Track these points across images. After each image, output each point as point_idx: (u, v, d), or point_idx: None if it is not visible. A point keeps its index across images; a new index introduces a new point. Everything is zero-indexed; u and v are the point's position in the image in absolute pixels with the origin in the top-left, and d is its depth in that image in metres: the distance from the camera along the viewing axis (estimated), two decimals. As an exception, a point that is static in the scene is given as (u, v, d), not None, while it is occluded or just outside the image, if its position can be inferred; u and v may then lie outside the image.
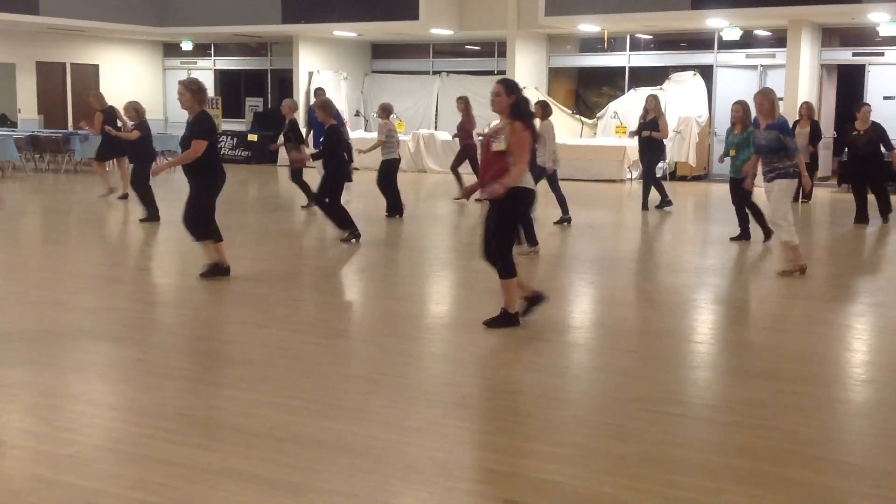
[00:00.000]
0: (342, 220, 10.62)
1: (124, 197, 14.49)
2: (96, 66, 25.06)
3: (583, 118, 21.11)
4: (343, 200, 10.81)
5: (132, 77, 25.36)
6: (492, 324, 6.73)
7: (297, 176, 13.72)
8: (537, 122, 11.77)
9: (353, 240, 10.58)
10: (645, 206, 14.13)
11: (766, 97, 9.01)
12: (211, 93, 25.55)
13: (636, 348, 6.51)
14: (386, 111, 13.34)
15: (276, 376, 5.63)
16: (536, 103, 12.34)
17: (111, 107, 15.00)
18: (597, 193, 16.67)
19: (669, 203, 14.23)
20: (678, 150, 18.96)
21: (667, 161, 18.84)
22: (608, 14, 18.51)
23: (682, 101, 19.31)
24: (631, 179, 18.92)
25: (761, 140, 8.95)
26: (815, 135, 15.15)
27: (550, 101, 20.87)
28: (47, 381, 5.47)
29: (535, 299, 6.93)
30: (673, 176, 18.88)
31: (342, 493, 3.96)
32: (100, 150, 15.06)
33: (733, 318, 7.77)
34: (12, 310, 7.33)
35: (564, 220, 12.45)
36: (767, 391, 5.43)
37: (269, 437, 4.55)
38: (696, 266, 9.82)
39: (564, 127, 20.66)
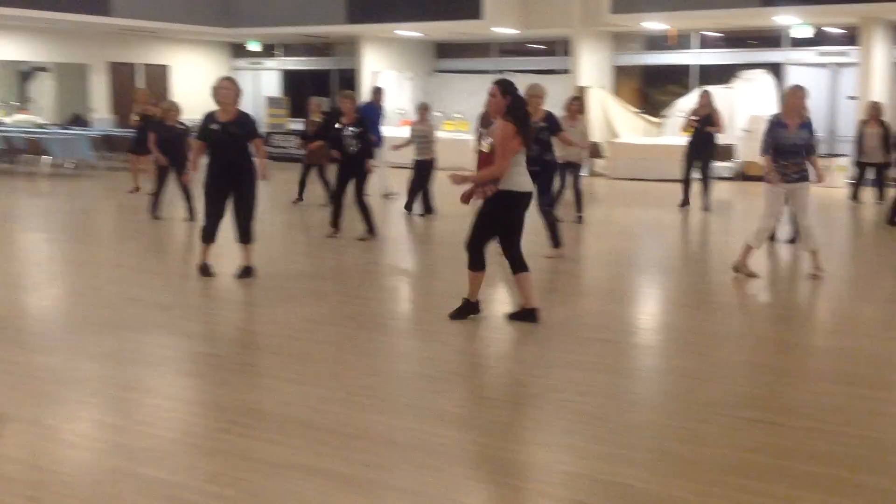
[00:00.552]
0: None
1: (134, 191, 15.33)
2: (166, 67, 25.55)
3: (648, 117, 20.90)
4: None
5: (201, 77, 25.77)
6: (455, 315, 6.91)
7: (316, 172, 14.18)
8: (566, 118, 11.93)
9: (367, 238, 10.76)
10: (707, 207, 13.93)
11: (799, 95, 8.80)
12: (277, 93, 25.92)
13: (705, 351, 6.43)
14: (422, 111, 13.45)
15: (344, 373, 5.69)
16: (572, 100, 12.34)
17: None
18: (662, 193, 16.49)
19: (687, 203, 14.10)
20: (748, 150, 18.66)
21: (736, 161, 18.58)
22: (675, 11, 18.30)
23: (752, 99, 19.00)
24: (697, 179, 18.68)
25: (795, 139, 8.72)
26: (887, 136, 14.70)
27: (617, 99, 20.76)
28: (125, 375, 5.60)
29: (525, 314, 6.92)
30: (744, 176, 18.58)
31: (412, 491, 3.99)
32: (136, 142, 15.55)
33: (801, 321, 7.64)
34: (91, 305, 7.52)
35: (578, 217, 12.40)
36: (843, 396, 5.33)
37: (339, 433, 4.61)
38: (760, 268, 9.66)
39: (629, 126, 20.52)
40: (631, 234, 12.36)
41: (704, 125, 13.90)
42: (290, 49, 26.34)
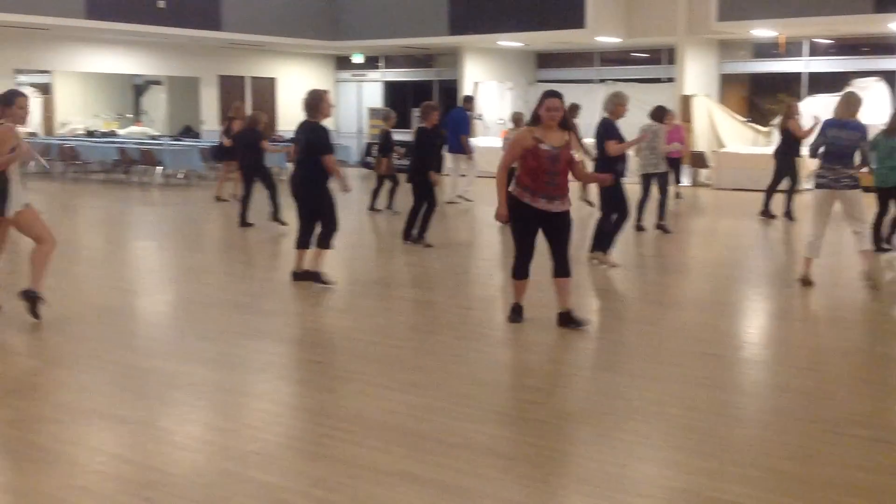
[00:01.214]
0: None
1: (219, 200, 15.70)
2: (273, 79, 26.17)
3: (756, 126, 20.42)
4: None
5: (306, 89, 26.28)
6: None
7: (383, 182, 14.42)
8: (654, 124, 11.78)
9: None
10: (788, 215, 13.67)
11: (853, 100, 8.77)
12: (379, 103, 26.26)
13: (814, 366, 6.24)
14: (517, 120, 13.48)
15: (446, 382, 5.71)
16: (657, 108, 12.23)
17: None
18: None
19: (767, 213, 13.75)
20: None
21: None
22: (785, 18, 17.84)
23: (866, 108, 18.34)
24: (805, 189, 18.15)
25: (845, 142, 8.52)
26: None
27: (722, 108, 20.35)
28: (232, 380, 5.74)
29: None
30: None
31: (514, 502, 3.98)
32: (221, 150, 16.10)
33: (923, 338, 7.33)
34: (200, 312, 7.74)
35: (661, 226, 12.26)
36: (964, 416, 5.10)
37: (442, 442, 4.63)
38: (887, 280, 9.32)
39: (736, 135, 20.07)
40: (735, 245, 12.08)
41: (788, 134, 13.79)
42: (392, 61, 26.68)
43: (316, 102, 8.62)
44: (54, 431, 4.79)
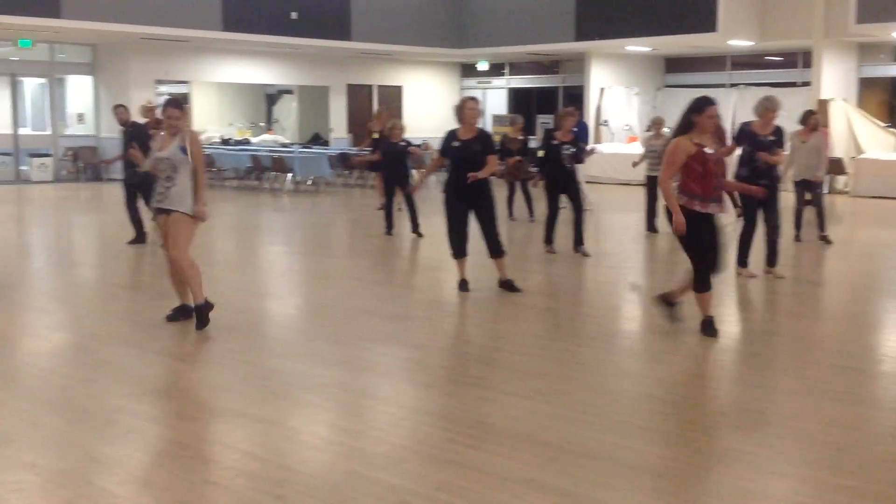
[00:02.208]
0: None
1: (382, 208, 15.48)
2: (399, 88, 26.55)
3: (898, 131, 19.55)
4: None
5: (431, 97, 26.62)
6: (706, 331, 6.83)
7: (514, 189, 14.29)
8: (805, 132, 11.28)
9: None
10: None
11: None
12: (503, 110, 26.31)
13: (965, 383, 5.91)
14: (658, 125, 13.18)
15: (571, 390, 5.67)
16: (809, 114, 11.64)
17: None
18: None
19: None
20: None
21: None
22: (929, 18, 17.03)
23: None
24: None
25: None
26: None
27: (861, 112, 19.55)
28: (359, 383, 5.84)
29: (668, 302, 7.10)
30: None
31: (642, 514, 3.91)
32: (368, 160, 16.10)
33: None
34: (327, 315, 7.90)
35: (822, 237, 11.75)
36: None
37: (567, 450, 4.58)
38: None
39: (876, 141, 19.26)
40: (875, 256, 11.58)
41: None
42: (517, 67, 26.69)
43: (458, 109, 8.52)
44: (192, 429, 4.97)
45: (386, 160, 13.15)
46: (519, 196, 14.33)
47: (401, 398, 5.58)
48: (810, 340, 7.05)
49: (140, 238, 11.89)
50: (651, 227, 12.83)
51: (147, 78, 22.18)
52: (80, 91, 23.36)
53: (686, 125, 6.65)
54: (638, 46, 21.93)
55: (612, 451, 4.58)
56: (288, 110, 27.52)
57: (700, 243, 6.68)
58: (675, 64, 24.68)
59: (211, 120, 25.21)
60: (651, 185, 12.74)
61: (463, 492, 4.08)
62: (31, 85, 24.15)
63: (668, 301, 7.12)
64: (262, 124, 27.12)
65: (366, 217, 15.35)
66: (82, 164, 22.40)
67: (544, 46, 22.72)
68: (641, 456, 4.54)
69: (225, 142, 24.21)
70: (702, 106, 6.62)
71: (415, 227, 12.62)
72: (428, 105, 26.35)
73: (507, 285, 8.61)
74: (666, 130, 13.28)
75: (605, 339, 7.12)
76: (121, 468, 4.38)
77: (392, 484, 4.19)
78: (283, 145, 23.70)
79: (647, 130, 13.55)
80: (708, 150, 6.59)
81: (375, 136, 16.19)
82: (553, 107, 25.63)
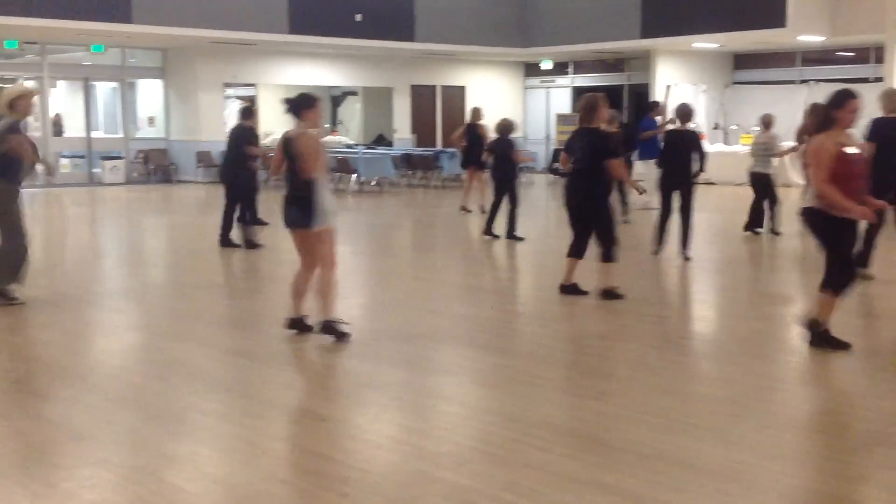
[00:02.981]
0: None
1: (464, 210, 15.37)
2: (463, 88, 26.57)
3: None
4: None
5: (495, 97, 26.59)
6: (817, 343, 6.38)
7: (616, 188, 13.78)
8: None
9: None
10: None
11: None
12: (568, 109, 26.16)
13: None
14: (767, 123, 12.81)
15: (636, 392, 5.61)
16: None
17: (476, 123, 15.73)
18: None
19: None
20: None
21: None
22: None
23: None
24: None
25: None
26: None
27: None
28: (425, 382, 5.86)
29: None
30: None
31: (711, 517, 3.85)
32: (465, 159, 15.81)
33: None
34: (394, 314, 7.94)
35: None
36: None
37: (633, 452, 4.54)
38: None
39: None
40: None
41: None
42: (580, 66, 26.52)
43: (593, 107, 8.12)
44: (259, 426, 5.03)
45: (497, 159, 12.44)
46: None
47: (466, 398, 5.58)
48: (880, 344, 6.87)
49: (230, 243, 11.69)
50: (755, 226, 12.35)
51: (215, 81, 22.56)
52: (150, 94, 23.85)
53: (826, 122, 6.16)
54: (705, 43, 21.62)
55: (678, 453, 4.52)
56: (352, 111, 27.72)
57: (844, 246, 6.27)
58: (743, 60, 24.28)
59: (277, 122, 25.50)
60: (757, 182, 12.33)
61: (528, 492, 4.06)
62: (104, 89, 24.73)
63: (815, 326, 6.41)
64: (326, 125, 27.35)
65: (430, 217, 15.40)
66: (152, 167, 22.86)
67: (609, 44, 22.53)
68: (707, 458, 4.47)
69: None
70: (842, 100, 6.13)
71: (511, 231, 12.10)
72: (491, 105, 26.29)
73: (606, 294, 8.15)
74: (774, 131, 12.83)
75: (670, 340, 7.03)
76: (190, 465, 4.46)
77: (457, 483, 4.19)
78: (348, 146, 23.89)
79: (756, 127, 13.07)
80: (850, 150, 6.11)
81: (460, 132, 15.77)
82: (619, 105, 25.42)
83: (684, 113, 10.68)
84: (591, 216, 8.21)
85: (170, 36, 19.90)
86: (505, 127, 12.49)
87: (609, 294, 8.14)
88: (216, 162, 22.07)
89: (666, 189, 10.46)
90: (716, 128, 23.00)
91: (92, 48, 21.11)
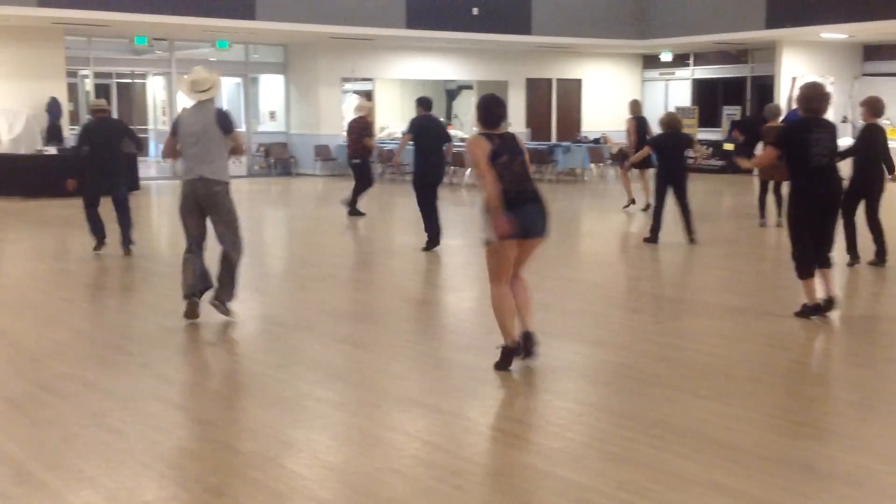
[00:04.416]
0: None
1: (629, 205, 14.88)
2: (579, 81, 26.33)
3: None
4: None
5: (612, 90, 26.26)
6: None
7: (766, 189, 12.91)
8: None
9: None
10: None
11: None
12: (687, 102, 25.61)
13: None
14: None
15: (758, 392, 5.46)
16: None
17: (643, 116, 15.41)
18: None
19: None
20: None
21: None
22: None
23: None
24: None
25: None
26: None
27: None
28: (537, 377, 5.82)
29: None
30: None
31: (835, 525, 3.72)
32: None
33: None
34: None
35: None
36: None
37: (754, 454, 4.42)
38: None
39: None
40: None
41: None
42: (701, 57, 25.92)
43: (824, 95, 7.24)
44: (374, 416, 5.11)
45: (665, 156, 11.54)
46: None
47: (579, 394, 5.53)
48: None
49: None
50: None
51: (334, 76, 22.96)
52: (271, 89, 24.44)
53: None
54: (834, 33, 20.83)
55: (801, 457, 4.38)
56: (468, 105, 27.79)
57: None
58: (874, 51, 23.28)
59: (393, 116, 25.81)
60: None
61: (644, 491, 4.00)
62: (227, 84, 25.44)
63: None
64: (442, 120, 27.53)
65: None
66: (273, 160, 23.43)
67: (732, 35, 21.93)
68: (834, 463, 4.32)
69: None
70: None
71: (691, 234, 11.22)
72: (608, 98, 26.02)
73: (827, 304, 7.24)
74: (885, 121, 12.06)
75: (793, 340, 6.81)
76: (308, 452, 4.55)
77: (571, 480, 4.16)
78: (463, 140, 23.98)
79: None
80: None
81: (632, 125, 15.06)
82: (741, 98, 24.75)
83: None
84: (832, 220, 7.28)
85: (291, 32, 20.34)
86: (674, 121, 11.70)
87: (830, 304, 7.25)
88: (334, 155, 22.53)
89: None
90: (844, 121, 22.14)
91: (217, 44, 21.77)
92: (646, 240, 11.35)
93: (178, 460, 4.42)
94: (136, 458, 4.43)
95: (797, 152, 7.04)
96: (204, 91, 7.07)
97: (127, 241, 10.44)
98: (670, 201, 11.22)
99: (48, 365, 6.05)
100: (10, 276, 9.95)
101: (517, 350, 5.84)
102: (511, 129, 6.22)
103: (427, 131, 11.06)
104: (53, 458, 4.41)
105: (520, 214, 5.64)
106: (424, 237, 11.05)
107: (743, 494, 3.96)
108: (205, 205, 7.07)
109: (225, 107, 25.92)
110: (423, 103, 11.32)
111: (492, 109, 5.90)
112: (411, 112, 11.77)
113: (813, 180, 7.00)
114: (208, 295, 7.23)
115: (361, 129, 14.55)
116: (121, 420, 4.95)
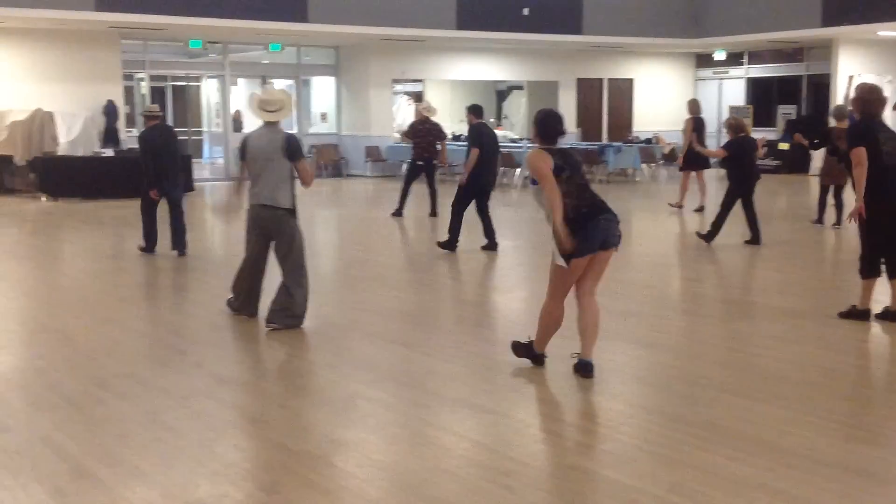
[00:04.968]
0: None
1: (700, 209, 14.53)
2: (630, 80, 26.13)
3: None
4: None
5: (664, 89, 26.03)
6: None
7: (827, 190, 12.66)
8: None
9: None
10: None
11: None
12: (742, 101, 25.28)
13: None
14: None
15: (813, 396, 5.37)
16: None
17: (700, 117, 15.22)
18: None
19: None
20: None
21: None
22: None
23: None
24: None
25: None
26: None
27: None
28: (589, 379, 5.78)
29: None
30: None
31: (892, 531, 3.65)
32: (683, 159, 15.08)
33: None
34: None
35: None
36: None
37: (808, 458, 4.35)
38: None
39: None
40: None
41: None
42: (756, 56, 25.57)
43: (875, 100, 7.08)
44: (424, 416, 5.12)
45: (732, 161, 11.27)
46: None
47: (630, 396, 5.49)
48: None
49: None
50: None
51: (385, 77, 23.06)
52: (323, 91, 24.63)
53: None
54: (892, 31, 20.41)
55: (857, 461, 4.30)
56: (517, 106, 27.74)
57: None
58: (934, 48, 22.79)
59: (443, 117, 25.82)
60: None
61: (695, 494, 3.97)
62: (280, 86, 25.73)
63: None
64: (491, 120, 27.50)
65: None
66: (323, 161, 23.62)
67: (787, 33, 21.61)
68: (891, 468, 4.25)
69: (455, 138, 24.74)
70: None
71: (755, 236, 11.07)
72: (660, 98, 25.79)
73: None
74: None
75: (851, 343, 6.70)
76: (358, 451, 4.59)
77: (619, 481, 4.14)
78: (513, 141, 23.93)
79: None
80: None
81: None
82: (796, 97, 24.37)
83: None
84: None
85: (343, 34, 20.48)
86: (742, 124, 11.44)
87: (888, 315, 7.08)
88: (384, 156, 22.62)
89: None
90: (902, 119, 21.68)
91: (270, 47, 22.00)
92: (699, 234, 11.26)
93: (231, 458, 4.48)
94: (190, 456, 4.49)
95: (870, 152, 6.87)
96: (273, 112, 6.93)
97: (181, 244, 10.58)
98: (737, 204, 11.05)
99: (105, 363, 6.17)
100: (67, 275, 10.17)
101: (539, 359, 5.95)
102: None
103: (487, 139, 11.11)
104: (109, 455, 4.49)
105: (596, 226, 5.61)
106: (475, 240, 11.07)
107: (797, 499, 3.90)
108: (271, 231, 7.09)
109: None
110: (477, 111, 11.43)
111: (551, 125, 5.80)
112: (460, 113, 11.83)
113: (886, 179, 6.87)
114: (264, 313, 7.24)
115: (433, 132, 14.54)
116: (175, 418, 5.03)
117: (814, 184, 19.05)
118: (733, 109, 24.67)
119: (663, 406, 5.28)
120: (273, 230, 7.07)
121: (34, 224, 14.32)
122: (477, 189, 11.04)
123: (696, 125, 14.83)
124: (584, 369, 5.70)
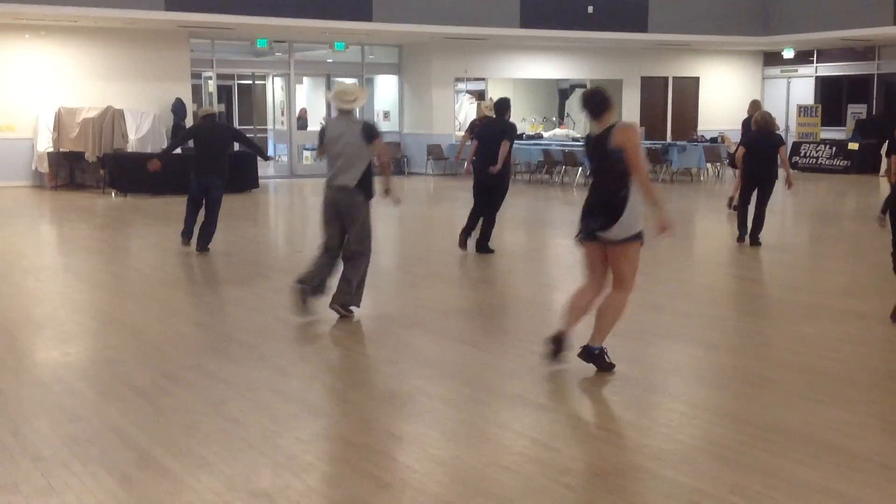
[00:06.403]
0: None
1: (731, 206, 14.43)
2: (696, 79, 25.81)
3: None
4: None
5: (730, 88, 25.66)
6: None
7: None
8: None
9: None
10: None
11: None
12: (810, 100, 24.81)
13: None
14: None
15: (881, 399, 5.28)
16: None
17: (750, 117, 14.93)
18: None
19: None
20: None
21: None
22: None
23: None
24: None
25: None
26: None
27: None
28: (647, 378, 5.76)
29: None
30: None
31: (961, 539, 3.57)
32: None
33: None
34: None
35: None
36: None
37: (875, 462, 4.28)
38: None
39: None
40: None
41: None
42: (825, 54, 25.08)
43: None
44: (483, 412, 5.14)
45: (754, 156, 11.03)
46: None
47: (690, 396, 5.44)
48: None
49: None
50: None
51: (447, 76, 23.11)
52: (386, 90, 24.77)
53: None
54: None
55: (926, 468, 4.21)
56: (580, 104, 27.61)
57: None
58: None
59: (506, 115, 25.85)
60: None
61: (758, 497, 3.92)
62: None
63: None
64: (554, 119, 27.40)
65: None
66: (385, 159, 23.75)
67: (859, 31, 21.15)
68: (962, 476, 4.14)
69: (518, 136, 24.68)
70: None
71: (742, 235, 11.13)
72: (726, 96, 25.43)
73: None
74: None
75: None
76: (418, 445, 4.62)
77: (681, 482, 4.11)
78: (575, 139, 23.80)
79: None
80: None
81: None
82: (866, 96, 23.86)
83: None
84: None
85: (406, 32, 20.58)
86: (765, 120, 11.23)
87: None
88: (446, 154, 22.67)
89: None
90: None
91: (335, 46, 22.20)
92: (749, 241, 11.04)
93: (293, 450, 4.55)
94: (253, 447, 4.57)
95: None
96: (350, 102, 7.40)
97: (205, 241, 10.65)
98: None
99: (171, 355, 6.31)
100: (136, 269, 10.40)
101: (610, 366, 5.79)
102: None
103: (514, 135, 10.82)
104: (175, 445, 4.60)
105: (587, 218, 5.92)
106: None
107: (861, 502, 3.83)
108: (343, 214, 7.27)
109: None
110: (508, 106, 10.88)
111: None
112: (521, 112, 11.72)
113: None
114: (327, 299, 7.36)
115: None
116: (239, 409, 5.12)
117: (884, 184, 18.63)
118: (802, 108, 24.26)
119: (726, 407, 5.23)
120: (344, 212, 7.26)
121: (103, 219, 14.67)
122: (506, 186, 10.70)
123: (745, 125, 14.54)
124: (560, 341, 5.78)
